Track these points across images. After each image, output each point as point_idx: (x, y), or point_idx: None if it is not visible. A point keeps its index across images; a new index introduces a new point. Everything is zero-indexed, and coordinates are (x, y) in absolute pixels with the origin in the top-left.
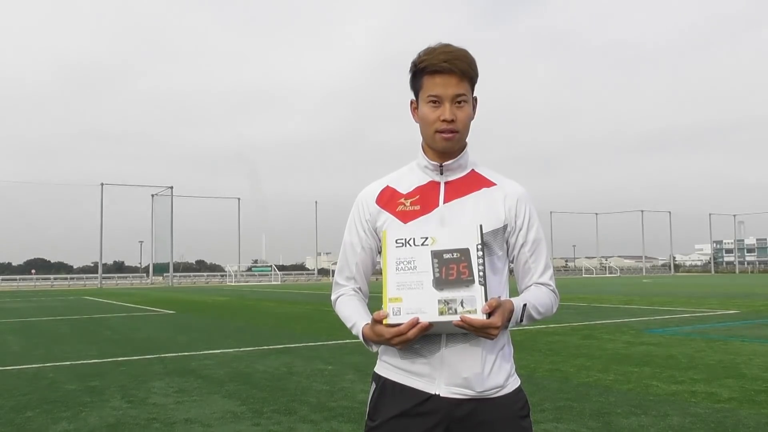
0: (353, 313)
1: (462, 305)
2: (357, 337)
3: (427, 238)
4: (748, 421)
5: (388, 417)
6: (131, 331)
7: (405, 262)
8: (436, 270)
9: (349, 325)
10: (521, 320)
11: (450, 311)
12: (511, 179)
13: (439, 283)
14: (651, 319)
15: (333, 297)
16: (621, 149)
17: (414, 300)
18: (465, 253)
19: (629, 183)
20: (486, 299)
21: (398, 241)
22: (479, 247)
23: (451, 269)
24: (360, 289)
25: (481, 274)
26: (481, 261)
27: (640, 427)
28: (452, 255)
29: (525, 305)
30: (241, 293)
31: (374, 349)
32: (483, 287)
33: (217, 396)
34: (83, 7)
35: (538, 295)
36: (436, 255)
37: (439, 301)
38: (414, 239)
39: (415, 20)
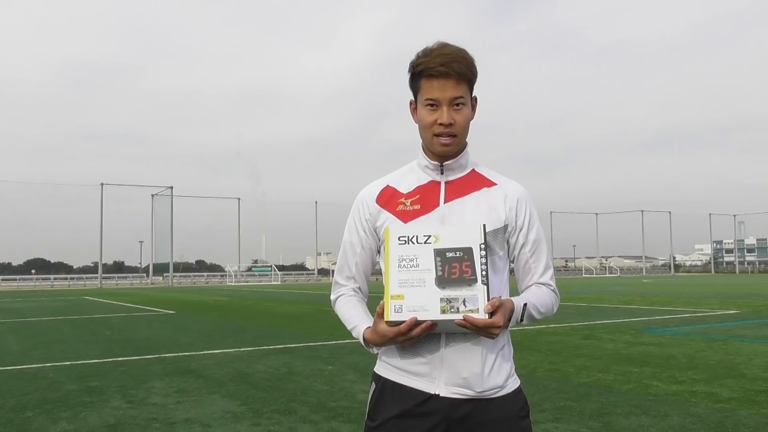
0: (354, 316)
1: (464, 304)
2: (357, 339)
3: (430, 236)
4: (748, 421)
5: (388, 417)
6: (131, 331)
7: (408, 260)
8: (439, 268)
9: (349, 327)
10: (521, 320)
11: (452, 310)
12: (511, 179)
13: (442, 282)
14: (651, 319)
15: (332, 296)
16: (621, 149)
17: (416, 298)
18: (468, 252)
19: (629, 183)
20: (488, 299)
21: (401, 239)
22: (482, 246)
23: (453, 268)
24: (359, 288)
25: (484, 273)
26: (483, 260)
27: (640, 427)
28: (455, 254)
29: (525, 305)
30: (241, 293)
31: (375, 351)
32: (485, 286)
33: (217, 396)
34: (83, 6)
35: (538, 294)
36: (439, 253)
37: (441, 300)
38: (417, 237)
39: (416, 20)
